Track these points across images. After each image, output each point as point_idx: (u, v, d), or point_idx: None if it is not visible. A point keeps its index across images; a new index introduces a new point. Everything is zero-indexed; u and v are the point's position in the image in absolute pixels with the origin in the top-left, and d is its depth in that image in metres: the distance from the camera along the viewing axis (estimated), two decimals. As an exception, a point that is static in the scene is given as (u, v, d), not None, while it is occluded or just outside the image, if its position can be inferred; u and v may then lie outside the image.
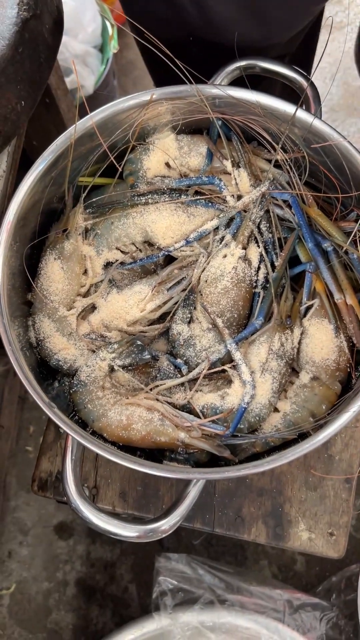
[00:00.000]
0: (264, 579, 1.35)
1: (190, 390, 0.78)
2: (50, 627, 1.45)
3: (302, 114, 0.75)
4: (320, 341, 0.78)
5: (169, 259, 0.85)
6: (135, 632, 1.20)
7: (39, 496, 0.93)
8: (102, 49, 1.54)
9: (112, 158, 0.76)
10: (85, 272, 0.84)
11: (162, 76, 1.05)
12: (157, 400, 0.76)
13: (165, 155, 0.83)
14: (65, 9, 1.32)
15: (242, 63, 0.82)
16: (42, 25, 0.74)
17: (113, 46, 1.46)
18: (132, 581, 1.47)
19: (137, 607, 1.45)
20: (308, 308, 0.80)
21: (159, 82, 1.20)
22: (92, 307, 0.84)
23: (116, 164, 0.79)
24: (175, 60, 0.75)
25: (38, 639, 1.44)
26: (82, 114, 0.80)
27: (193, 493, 0.71)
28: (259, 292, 0.80)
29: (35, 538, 1.51)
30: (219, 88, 0.76)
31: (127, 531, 0.70)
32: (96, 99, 1.54)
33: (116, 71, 1.74)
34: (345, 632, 1.28)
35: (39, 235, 0.82)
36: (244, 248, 0.80)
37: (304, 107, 0.81)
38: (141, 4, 0.96)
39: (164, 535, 0.70)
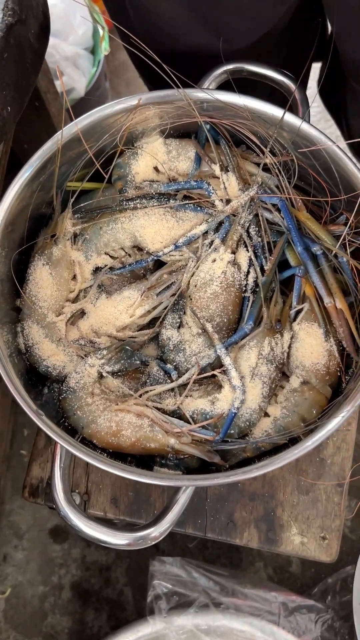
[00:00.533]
0: (259, 581, 1.35)
1: (180, 395, 0.78)
2: (45, 631, 1.45)
3: (290, 118, 0.75)
4: (310, 345, 0.77)
5: (159, 264, 0.85)
6: (129, 636, 1.20)
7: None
8: (93, 50, 1.53)
9: (97, 166, 0.76)
10: (74, 277, 0.83)
11: (153, 79, 1.04)
12: (147, 406, 0.76)
13: (154, 159, 0.82)
14: (55, 11, 1.32)
15: (230, 67, 0.81)
16: (28, 30, 0.73)
17: (104, 48, 1.46)
18: (127, 584, 1.46)
19: (133, 611, 1.45)
20: (298, 312, 0.79)
21: (151, 84, 1.19)
22: (82, 313, 0.83)
23: (102, 171, 0.78)
24: (162, 64, 0.75)
25: (34, 643, 1.44)
26: (72, 117, 0.79)
27: (182, 500, 0.71)
28: (249, 297, 0.80)
29: (30, 542, 1.50)
30: (207, 92, 0.75)
31: (117, 539, 0.69)
32: (88, 102, 1.53)
33: (108, 73, 1.73)
34: (341, 634, 1.28)
35: (27, 241, 0.82)
36: (233, 252, 0.79)
37: (292, 110, 0.81)
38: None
39: (154, 543, 0.70)
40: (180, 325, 0.81)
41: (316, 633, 1.27)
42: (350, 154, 0.75)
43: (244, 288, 0.80)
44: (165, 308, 0.82)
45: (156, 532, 0.70)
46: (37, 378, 0.81)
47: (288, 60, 0.94)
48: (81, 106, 1.51)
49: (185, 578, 1.26)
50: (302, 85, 1.17)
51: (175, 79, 0.75)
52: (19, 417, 1.56)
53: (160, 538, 0.71)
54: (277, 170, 0.78)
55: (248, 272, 0.80)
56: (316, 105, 1.75)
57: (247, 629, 1.21)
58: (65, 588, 1.47)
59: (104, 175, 0.79)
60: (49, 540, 1.50)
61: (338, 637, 1.28)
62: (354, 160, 0.74)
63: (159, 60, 0.75)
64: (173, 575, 1.26)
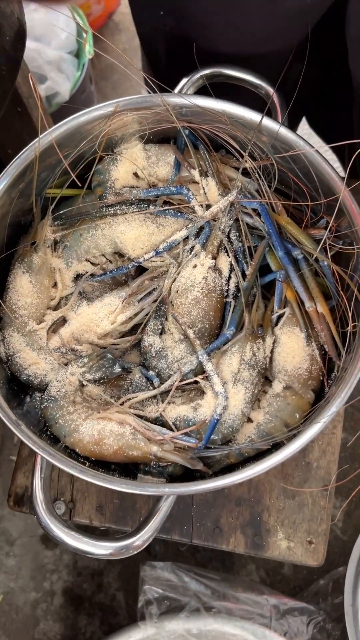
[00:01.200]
0: (251, 583, 1.34)
1: (163, 402, 0.77)
2: (38, 637, 1.44)
3: (268, 122, 0.75)
4: (292, 350, 0.77)
5: (140, 270, 0.84)
6: (121, 642, 1.19)
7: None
8: (78, 54, 1.52)
9: (74, 176, 0.76)
10: (55, 285, 0.83)
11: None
12: (129, 413, 0.76)
13: (133, 165, 0.82)
14: (37, 15, 1.32)
15: (207, 71, 0.81)
16: (2, 37, 0.73)
17: (88, 51, 1.45)
18: (119, 589, 1.46)
19: (126, 615, 1.44)
20: (280, 317, 0.79)
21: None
22: (63, 321, 0.83)
23: (76, 180, 0.77)
24: (139, 70, 0.74)
25: (26, 649, 1.43)
26: (57, 120, 0.79)
27: (164, 508, 0.70)
28: (230, 302, 0.80)
29: (22, 548, 1.50)
30: (184, 97, 0.75)
31: (99, 549, 0.69)
32: (73, 105, 1.53)
33: (94, 76, 1.73)
34: (333, 636, 1.28)
35: (6, 249, 0.81)
36: (214, 258, 0.79)
37: (271, 115, 0.81)
38: None
39: (136, 552, 0.70)
40: (162, 332, 0.81)
41: (308, 635, 1.26)
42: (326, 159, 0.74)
43: (226, 293, 0.80)
44: (147, 314, 0.81)
45: (139, 541, 0.70)
46: (19, 387, 0.80)
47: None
48: (67, 110, 1.51)
49: (176, 582, 1.26)
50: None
51: (153, 85, 0.75)
52: (9, 423, 1.56)
53: (144, 546, 0.70)
54: (256, 175, 0.78)
55: (229, 277, 0.80)
56: (303, 106, 1.75)
57: (238, 633, 1.21)
58: (57, 594, 1.46)
59: (78, 183, 0.78)
60: (40, 546, 1.49)
61: (330, 639, 1.28)
62: (332, 164, 0.74)
63: (134, 64, 0.74)
64: (164, 580, 1.26)
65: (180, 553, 1.45)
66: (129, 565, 1.45)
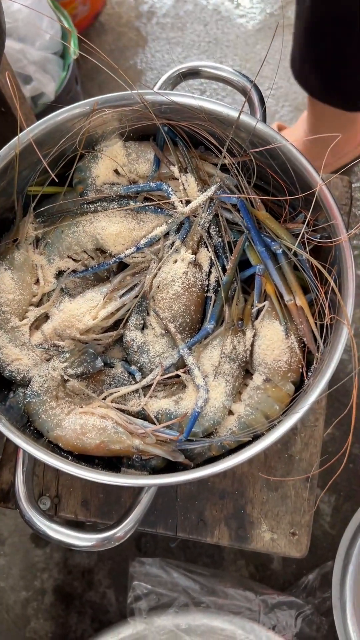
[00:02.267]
0: (240, 579, 1.35)
1: (145, 396, 0.78)
2: (29, 636, 1.44)
3: (245, 118, 0.76)
4: (272, 342, 0.78)
5: (122, 266, 0.85)
6: (111, 638, 1.20)
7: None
8: (63, 55, 1.53)
9: (53, 176, 0.76)
10: (37, 281, 0.83)
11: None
12: (111, 408, 0.76)
13: (114, 162, 0.83)
14: (20, 16, 1.32)
15: (184, 68, 0.82)
16: (-19, 36, 0.73)
17: (73, 52, 1.46)
18: (110, 586, 1.46)
19: (116, 613, 1.45)
20: (260, 310, 0.80)
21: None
22: (45, 317, 0.83)
23: (55, 178, 0.78)
24: (115, 66, 0.75)
25: (17, 648, 1.43)
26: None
27: (145, 500, 0.71)
28: (211, 296, 0.81)
29: (12, 547, 1.50)
30: (161, 94, 0.76)
31: (82, 541, 0.70)
32: (59, 105, 1.53)
33: (80, 76, 1.73)
34: (322, 629, 1.29)
35: (-11, 247, 0.82)
36: (194, 253, 0.80)
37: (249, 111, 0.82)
38: None
39: (119, 543, 0.70)
40: (144, 327, 0.82)
41: (296, 629, 1.27)
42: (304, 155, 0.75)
43: (206, 288, 0.81)
44: (128, 310, 0.82)
45: (121, 532, 0.71)
46: (2, 383, 0.81)
47: None
48: (52, 110, 1.51)
49: (165, 578, 1.26)
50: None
51: (130, 82, 0.75)
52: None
53: (126, 537, 0.71)
54: (235, 170, 0.79)
55: (210, 272, 0.81)
56: (288, 105, 1.76)
57: (227, 627, 1.22)
58: (47, 592, 1.47)
59: (55, 179, 0.79)
60: (30, 545, 1.50)
61: (319, 633, 1.29)
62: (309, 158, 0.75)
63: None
64: (153, 576, 1.27)
65: (171, 549, 1.46)
66: (120, 562, 1.46)
